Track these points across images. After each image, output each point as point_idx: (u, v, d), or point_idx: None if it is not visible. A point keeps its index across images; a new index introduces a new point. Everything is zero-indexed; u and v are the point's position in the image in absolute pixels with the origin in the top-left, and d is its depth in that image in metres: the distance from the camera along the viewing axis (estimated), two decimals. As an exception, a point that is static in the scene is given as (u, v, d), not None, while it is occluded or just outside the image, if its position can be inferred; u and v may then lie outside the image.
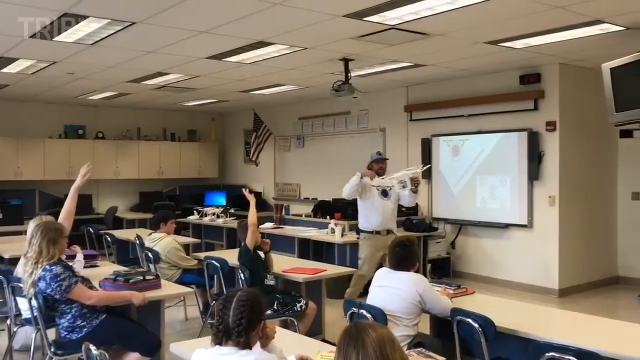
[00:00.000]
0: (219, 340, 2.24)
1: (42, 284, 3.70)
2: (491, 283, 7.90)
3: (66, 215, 4.32)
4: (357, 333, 1.65)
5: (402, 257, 3.61)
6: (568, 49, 6.38)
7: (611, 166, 8.05)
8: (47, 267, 3.70)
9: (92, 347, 2.63)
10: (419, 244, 7.98)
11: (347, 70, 7.04)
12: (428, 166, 7.58)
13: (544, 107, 7.40)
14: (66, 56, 6.57)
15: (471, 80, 8.13)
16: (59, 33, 5.52)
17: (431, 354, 2.89)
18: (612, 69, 5.43)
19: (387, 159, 6.33)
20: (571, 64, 7.26)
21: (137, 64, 7.06)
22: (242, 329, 2.20)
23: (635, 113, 5.22)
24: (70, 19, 5.03)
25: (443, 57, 6.85)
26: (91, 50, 6.22)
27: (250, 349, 2.22)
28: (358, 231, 6.24)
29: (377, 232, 5.99)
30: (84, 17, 5.01)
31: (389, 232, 5.98)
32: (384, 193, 5.99)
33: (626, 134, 5.99)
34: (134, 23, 5.19)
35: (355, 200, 8.60)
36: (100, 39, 5.79)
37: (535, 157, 7.42)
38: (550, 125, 7.32)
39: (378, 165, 6.08)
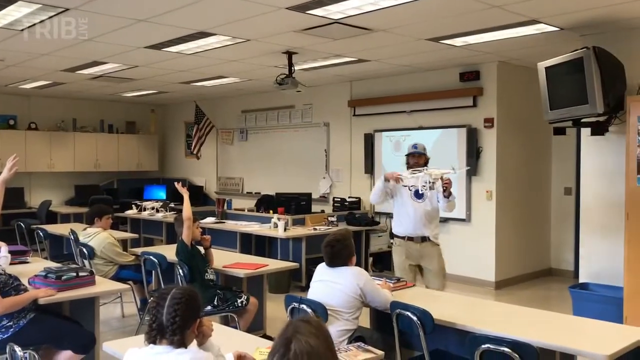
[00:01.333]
0: (152, 339, 2.17)
1: None
2: (431, 276, 8.03)
3: (-9, 211, 4.09)
4: (288, 341, 1.61)
5: (334, 254, 3.61)
6: (505, 47, 6.55)
7: (545, 162, 8.34)
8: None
9: (17, 348, 2.50)
10: (361, 238, 8.05)
11: (290, 64, 6.99)
12: (466, 168, 7.06)
13: (483, 104, 7.58)
14: (-4, 41, 6.24)
15: (413, 76, 8.24)
16: (-13, 16, 5.23)
17: (370, 348, 2.90)
18: (547, 68, 5.59)
19: (423, 153, 5.13)
20: (509, 62, 7.46)
21: (71, 52, 6.77)
22: (176, 327, 2.13)
23: (568, 111, 5.39)
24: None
25: (386, 53, 6.91)
26: (22, 36, 5.92)
27: (186, 347, 2.16)
28: (392, 235, 5.32)
29: (410, 239, 4.99)
30: (13, 1, 4.75)
31: (424, 239, 4.97)
32: (417, 194, 4.97)
33: (559, 131, 6.18)
34: (67, 9, 4.97)
35: (299, 195, 8.67)
36: (32, 25, 5.52)
37: (473, 153, 7.60)
38: (488, 122, 7.51)
39: (413, 160, 5.09)
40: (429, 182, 4.73)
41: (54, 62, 7.48)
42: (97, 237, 5.74)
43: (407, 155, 5.20)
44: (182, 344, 2.14)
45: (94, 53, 6.91)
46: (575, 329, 3.37)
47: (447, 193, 4.79)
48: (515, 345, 2.70)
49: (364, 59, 7.27)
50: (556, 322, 3.45)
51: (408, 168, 5.05)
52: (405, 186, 5.00)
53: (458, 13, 5.14)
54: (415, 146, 5.19)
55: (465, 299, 4.10)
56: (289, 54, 6.83)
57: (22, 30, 5.69)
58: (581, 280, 5.95)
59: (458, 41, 6.22)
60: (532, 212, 8.10)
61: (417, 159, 5.08)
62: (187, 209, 4.91)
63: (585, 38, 5.70)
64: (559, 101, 5.51)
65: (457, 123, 7.79)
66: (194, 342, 2.26)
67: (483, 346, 2.78)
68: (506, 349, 2.70)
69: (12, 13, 5.14)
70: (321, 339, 1.65)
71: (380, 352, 2.89)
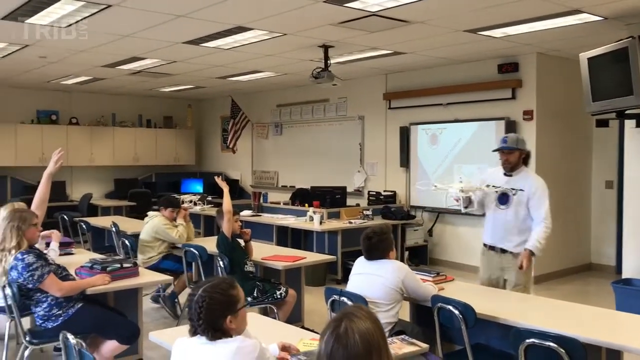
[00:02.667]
0: (193, 332, 2.22)
1: (14, 273, 3.62)
2: (468, 270, 7.96)
3: (39, 202, 4.22)
4: (345, 335, 1.63)
5: (372, 247, 3.61)
6: (546, 38, 6.43)
7: (586, 155, 8.17)
8: (19, 255, 3.62)
9: (70, 336, 2.58)
10: (397, 232, 8.03)
11: (326, 57, 6.99)
12: (496, 189, 4.36)
13: (522, 96, 7.46)
14: (39, 39, 6.40)
15: (450, 68, 8.15)
16: (32, 15, 5.37)
17: (414, 340, 2.90)
18: (589, 59, 5.47)
19: (517, 148, 4.26)
20: (549, 53, 7.32)
21: (112, 48, 6.91)
22: (203, 324, 2.19)
23: (611, 102, 5.27)
24: (43, 0, 4.89)
25: (423, 45, 6.85)
26: (65, 33, 6.06)
27: (231, 336, 2.20)
28: None
29: (491, 248, 4.42)
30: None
31: (504, 251, 4.34)
32: (502, 199, 4.29)
33: (602, 123, 6.05)
34: (110, 6, 5.07)
35: (334, 188, 8.68)
36: (75, 22, 5.64)
37: (512, 146, 7.46)
38: (528, 114, 7.39)
39: (503, 158, 4.29)
40: (462, 198, 4.19)
41: (94, 58, 7.64)
42: (154, 219, 5.92)
43: (497, 151, 4.37)
44: (220, 335, 2.19)
45: (133, 49, 7.04)
46: (620, 325, 3.32)
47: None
48: (561, 340, 2.67)
49: (400, 52, 7.22)
50: (600, 317, 3.40)
51: (502, 167, 4.33)
52: (494, 186, 4.33)
53: (498, 3, 5.06)
54: (504, 140, 4.28)
55: (507, 293, 4.05)
56: (325, 48, 6.84)
57: (65, 27, 5.82)
58: (624, 275, 5.82)
59: (497, 32, 6.13)
60: (571, 206, 7.94)
61: (507, 155, 4.24)
62: (227, 202, 4.97)
63: (630, 27, 5.55)
64: (602, 92, 5.39)
65: (495, 115, 7.68)
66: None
67: (527, 341, 2.75)
68: (552, 344, 2.66)
69: (57, 11, 5.26)
70: (372, 321, 1.68)
71: (425, 345, 2.88)
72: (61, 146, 10.23)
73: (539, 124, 7.36)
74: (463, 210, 4.41)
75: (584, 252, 8.20)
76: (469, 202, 4.35)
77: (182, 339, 2.28)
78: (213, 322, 2.19)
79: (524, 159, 4.32)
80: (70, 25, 5.74)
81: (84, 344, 3.50)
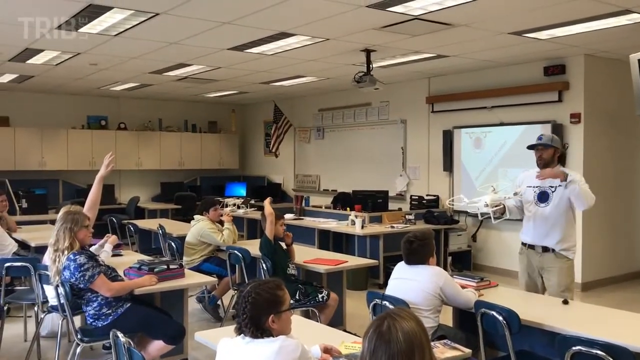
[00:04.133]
0: (238, 330, 2.28)
1: (66, 273, 3.76)
2: (512, 276, 7.80)
3: (91, 205, 4.37)
4: (388, 332, 1.65)
5: (412, 251, 3.59)
6: (594, 39, 6.28)
7: (637, 159, 7.92)
8: (71, 256, 3.76)
9: (120, 334, 2.66)
10: (440, 236, 7.96)
11: (368, 62, 7.00)
12: (533, 189, 4.47)
13: (569, 99, 7.30)
14: (90, 47, 6.63)
15: (494, 71, 8.05)
16: (84, 24, 5.57)
17: (457, 345, 2.88)
18: (640, 60, 5.33)
19: (551, 145, 4.34)
20: (597, 55, 7.14)
21: (159, 55, 7.10)
22: (247, 321, 2.24)
23: (664, 105, 5.12)
24: (94, 10, 5.07)
25: (466, 48, 6.79)
26: (114, 41, 6.27)
27: (274, 336, 2.24)
28: None
29: (531, 247, 4.47)
30: (109, 8, 5.04)
31: (545, 249, 4.36)
32: (541, 197, 4.35)
33: (653, 126, 5.88)
34: (157, 14, 5.22)
35: (376, 192, 8.66)
36: (124, 30, 5.83)
37: (559, 150, 7.31)
38: (575, 117, 7.22)
39: (537, 155, 4.37)
40: (490, 208, 4.23)
41: (142, 65, 7.86)
42: (200, 223, 6.06)
43: (533, 150, 4.42)
44: (264, 334, 2.24)
45: (180, 55, 7.21)
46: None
47: (562, 178, 4.12)
48: (609, 348, 2.60)
49: (443, 55, 7.17)
50: (652, 326, 3.29)
51: (537, 165, 4.38)
52: (530, 186, 4.42)
53: (544, 5, 4.97)
54: (540, 137, 4.39)
55: (552, 300, 3.96)
56: (368, 52, 6.85)
57: (115, 35, 6.01)
58: (678, 283, 5.63)
59: (543, 34, 6.02)
60: (621, 211, 7.72)
61: (542, 152, 4.32)
62: (267, 205, 5.06)
63: (683, 27, 5.38)
64: (653, 94, 5.23)
65: (542, 119, 7.54)
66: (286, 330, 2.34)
67: (574, 348, 2.69)
68: (600, 352, 2.60)
69: (107, 20, 5.45)
70: (416, 321, 1.70)
71: (468, 350, 2.86)
72: (110, 150, 10.46)
73: (587, 127, 7.19)
74: (494, 222, 4.42)
75: (635, 258, 7.95)
76: (501, 212, 4.36)
77: (226, 339, 2.34)
78: (256, 318, 2.25)
79: (560, 158, 4.38)
80: (119, 33, 5.93)
81: (132, 342, 3.63)
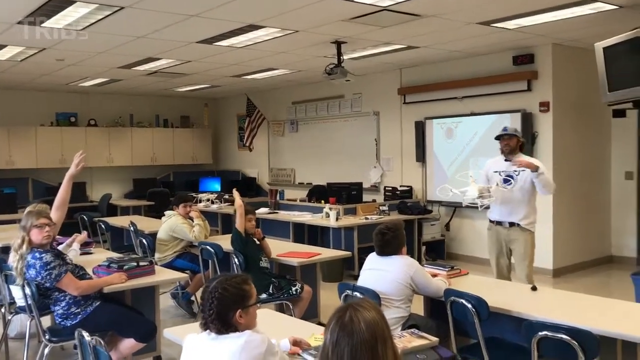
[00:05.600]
0: (204, 326, 2.25)
1: (32, 272, 3.69)
2: (486, 264, 7.86)
3: (59, 204, 4.28)
4: (351, 323, 1.64)
5: (384, 243, 3.63)
6: (560, 29, 6.35)
7: (605, 146, 8.05)
8: (37, 254, 3.69)
9: (85, 334, 2.62)
10: (413, 226, 8.01)
11: (339, 53, 6.99)
12: (500, 174, 5.11)
13: (538, 88, 7.38)
14: (55, 42, 6.49)
15: (464, 62, 8.10)
16: (47, 19, 5.45)
17: (424, 334, 2.89)
18: (604, 49, 5.40)
19: (515, 135, 5.03)
20: (564, 44, 7.23)
21: (127, 49, 6.98)
22: (214, 317, 2.21)
23: (628, 92, 5.21)
24: (58, 3, 4.96)
25: (436, 39, 6.81)
26: (79, 36, 6.14)
27: (240, 331, 2.22)
28: None
29: (499, 223, 5.11)
30: (72, 2, 4.94)
31: (512, 224, 5.02)
32: (507, 180, 4.95)
33: (619, 113, 5.98)
34: (122, 8, 5.13)
35: (350, 184, 8.68)
36: (90, 25, 5.72)
37: (528, 139, 7.40)
38: (544, 106, 7.31)
39: (503, 143, 5.04)
40: (481, 200, 4.79)
41: (110, 60, 7.73)
42: (171, 219, 6.00)
43: (498, 140, 5.10)
44: (229, 330, 2.21)
45: (148, 50, 7.11)
46: (637, 317, 3.26)
47: (533, 169, 4.72)
48: (574, 332, 2.64)
49: (413, 46, 7.19)
50: (617, 310, 3.36)
51: (502, 153, 5.07)
52: (497, 171, 5.04)
53: (510, -5, 5.01)
54: (505, 129, 5.10)
55: (521, 286, 4.02)
56: (338, 44, 6.83)
57: (81, 30, 5.90)
58: (645, 267, 5.75)
59: (510, 24, 6.07)
60: (591, 198, 7.85)
61: (508, 140, 4.99)
62: (237, 198, 5.03)
63: (646, 15, 5.47)
64: (618, 82, 5.33)
65: (511, 108, 7.61)
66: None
67: (540, 333, 2.73)
68: (564, 336, 2.64)
69: (71, 14, 5.34)
70: (377, 311, 1.70)
71: (435, 339, 2.88)
72: (80, 147, 10.33)
73: (556, 115, 7.28)
74: (480, 209, 5.12)
75: (604, 244, 8.09)
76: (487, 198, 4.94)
77: (192, 335, 2.31)
78: (223, 314, 2.22)
79: (520, 147, 5.07)
80: (84, 28, 5.81)
81: (102, 341, 3.58)
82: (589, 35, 6.46)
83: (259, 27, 5.97)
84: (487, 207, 5.10)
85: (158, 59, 7.74)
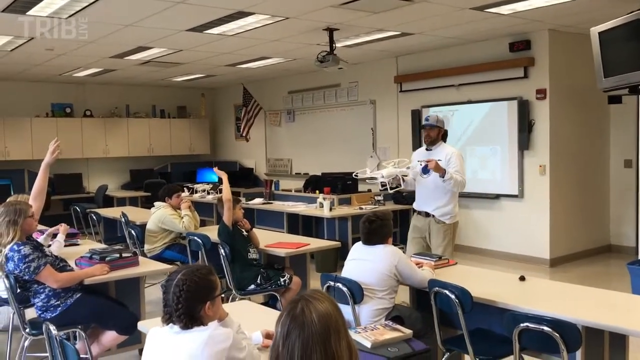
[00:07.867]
0: (167, 320, 2.16)
1: (10, 265, 3.62)
2: (482, 254, 7.84)
3: (36, 194, 4.21)
4: (302, 315, 1.57)
5: (370, 232, 3.53)
6: (556, 14, 6.22)
7: (603, 134, 7.93)
8: (15, 247, 3.62)
9: (52, 327, 2.55)
10: (409, 216, 7.88)
11: (332, 41, 6.87)
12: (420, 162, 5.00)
13: (534, 75, 7.26)
14: (41, 31, 6.39)
15: (461, 49, 7.97)
16: (32, 6, 5.36)
17: (398, 327, 2.81)
18: (600, 33, 5.27)
19: (436, 126, 4.98)
20: (560, 29, 7.10)
21: (116, 38, 6.89)
22: (181, 312, 2.11)
23: (624, 78, 5.08)
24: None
25: (430, 25, 6.69)
26: (67, 24, 6.05)
27: (205, 325, 2.14)
28: None
29: (419, 212, 5.11)
30: (55, -11, 4.86)
31: (427, 215, 4.98)
32: (424, 169, 4.88)
33: (615, 99, 5.85)
34: (106, -6, 5.04)
35: (346, 174, 8.58)
36: (75, 12, 5.62)
37: (525, 127, 7.30)
38: (541, 93, 7.19)
39: (424, 134, 5.07)
40: (387, 181, 4.74)
41: (100, 50, 7.63)
42: (160, 210, 5.92)
43: (422, 130, 5.22)
44: (195, 324, 2.12)
45: (137, 38, 7.01)
46: (630, 308, 3.14)
47: (441, 173, 4.65)
48: (556, 324, 2.56)
49: (407, 32, 7.06)
50: (610, 300, 3.24)
51: (425, 142, 5.11)
52: (419, 161, 4.98)
53: (502, -22, 4.89)
54: (427, 118, 5.12)
55: (509, 277, 3.92)
56: (330, 31, 6.72)
57: (67, 17, 5.80)
58: (641, 256, 5.65)
59: (505, 9, 5.95)
60: (589, 186, 7.74)
61: (429, 131, 4.99)
62: (226, 190, 4.96)
63: (643, -1, 5.33)
64: (614, 68, 5.20)
65: (508, 95, 7.49)
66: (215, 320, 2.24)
67: (522, 325, 2.65)
68: (546, 328, 2.56)
69: (56, 1, 5.24)
70: (330, 302, 1.64)
71: (408, 331, 2.79)
72: (76, 138, 10.24)
73: (553, 102, 7.16)
74: (391, 191, 5.07)
75: (603, 233, 7.99)
76: (397, 183, 4.88)
77: (156, 328, 2.22)
78: (192, 307, 2.12)
79: (443, 136, 5.06)
80: (70, 16, 5.72)
81: (83, 334, 3.52)
82: (586, 21, 6.32)
83: (248, 13, 5.87)
84: (394, 188, 4.91)
85: (149, 47, 7.64)
